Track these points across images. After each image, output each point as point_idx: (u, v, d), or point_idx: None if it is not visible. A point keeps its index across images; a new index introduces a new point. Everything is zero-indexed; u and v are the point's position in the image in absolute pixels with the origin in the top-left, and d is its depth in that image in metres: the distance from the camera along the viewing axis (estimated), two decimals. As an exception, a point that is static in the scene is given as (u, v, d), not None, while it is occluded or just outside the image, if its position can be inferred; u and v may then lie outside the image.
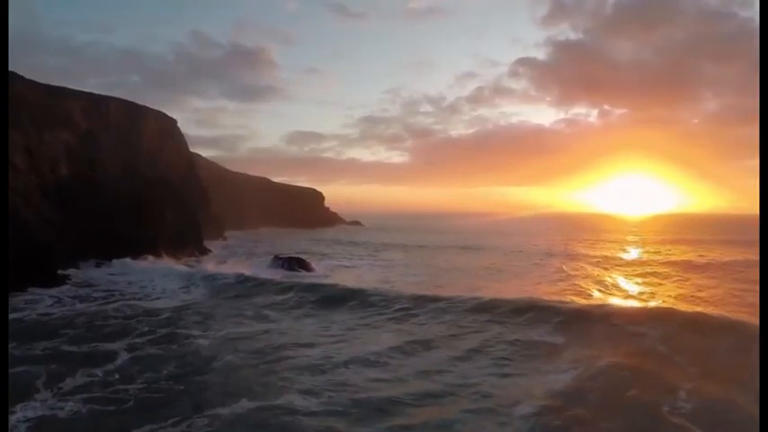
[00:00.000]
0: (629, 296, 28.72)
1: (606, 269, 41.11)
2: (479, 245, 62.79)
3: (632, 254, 54.82)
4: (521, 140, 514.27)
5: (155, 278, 31.58)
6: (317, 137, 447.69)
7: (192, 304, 25.35)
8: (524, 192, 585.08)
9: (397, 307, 22.14)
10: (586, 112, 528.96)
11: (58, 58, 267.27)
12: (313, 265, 39.05)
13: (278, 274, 35.28)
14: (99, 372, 14.72)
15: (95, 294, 27.52)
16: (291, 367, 15.22)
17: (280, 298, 25.56)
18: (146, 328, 19.93)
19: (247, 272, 36.06)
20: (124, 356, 16.32)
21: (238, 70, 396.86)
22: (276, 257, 39.97)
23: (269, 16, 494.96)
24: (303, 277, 34.64)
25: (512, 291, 27.54)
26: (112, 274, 33.13)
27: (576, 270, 39.81)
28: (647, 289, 31.12)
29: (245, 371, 15.15)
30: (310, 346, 17.58)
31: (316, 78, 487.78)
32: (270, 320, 21.70)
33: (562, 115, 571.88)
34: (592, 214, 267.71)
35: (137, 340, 18.25)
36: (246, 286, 30.02)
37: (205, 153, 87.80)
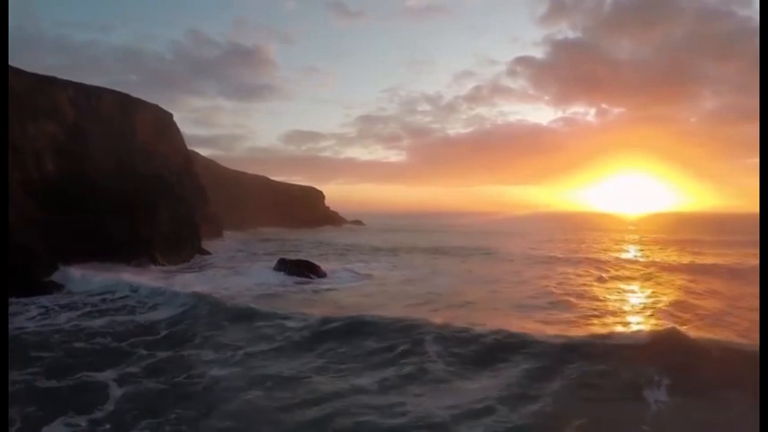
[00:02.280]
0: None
1: (663, 273, 37.08)
2: (497, 247, 58.48)
3: (680, 257, 49.38)
4: (519, 139, 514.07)
5: (150, 285, 28.00)
6: (315, 136, 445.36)
7: (195, 318, 21.75)
8: (522, 191, 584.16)
9: (449, 327, 17.85)
10: (585, 111, 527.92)
11: (56, 56, 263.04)
12: (323, 269, 35.67)
13: (287, 281, 32.12)
14: (83, 415, 11.48)
15: (82, 304, 24.14)
16: (354, 424, 11.28)
17: (297, 311, 21.94)
18: (142, 352, 16.53)
19: (252, 277, 33.01)
20: (116, 392, 12.98)
21: (236, 69, 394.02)
22: (282, 261, 36.57)
23: (267, 15, 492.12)
24: (318, 284, 31.38)
25: (579, 310, 23.96)
26: (103, 281, 29.48)
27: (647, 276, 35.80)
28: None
29: (281, 415, 11.74)
30: (358, 382, 13.79)
31: (314, 77, 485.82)
32: (292, 343, 17.82)
33: (560, 114, 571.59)
34: (590, 213, 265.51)
35: (131, 369, 14.79)
36: (255, 295, 26.85)
37: (203, 152, 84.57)
